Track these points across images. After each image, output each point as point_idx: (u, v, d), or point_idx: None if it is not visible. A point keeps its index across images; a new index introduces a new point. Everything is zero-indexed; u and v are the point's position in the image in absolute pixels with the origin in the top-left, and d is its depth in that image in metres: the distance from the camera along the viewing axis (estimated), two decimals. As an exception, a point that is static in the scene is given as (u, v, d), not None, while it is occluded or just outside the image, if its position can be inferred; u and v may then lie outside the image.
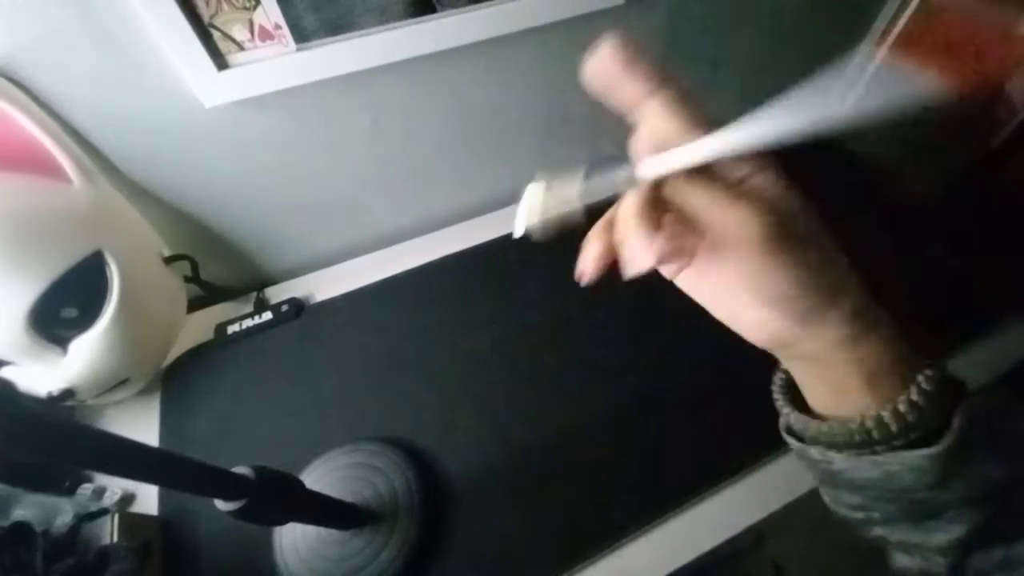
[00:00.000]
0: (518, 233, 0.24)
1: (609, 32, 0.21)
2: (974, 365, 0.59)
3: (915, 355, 0.24)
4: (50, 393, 0.47)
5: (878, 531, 0.28)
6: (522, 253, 0.71)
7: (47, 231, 0.44)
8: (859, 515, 0.28)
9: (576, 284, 0.29)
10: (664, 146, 0.21)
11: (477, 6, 0.56)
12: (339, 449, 0.52)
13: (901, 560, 0.28)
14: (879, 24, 0.86)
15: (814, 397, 0.27)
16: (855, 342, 0.23)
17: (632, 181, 0.22)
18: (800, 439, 0.28)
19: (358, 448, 0.52)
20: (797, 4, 0.77)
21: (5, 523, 0.40)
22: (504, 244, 0.73)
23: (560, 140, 0.78)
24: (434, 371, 0.60)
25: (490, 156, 0.74)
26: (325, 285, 0.70)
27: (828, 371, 0.25)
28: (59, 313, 0.46)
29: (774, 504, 0.50)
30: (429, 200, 0.76)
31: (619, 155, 0.23)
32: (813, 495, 0.51)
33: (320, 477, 0.49)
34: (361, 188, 0.69)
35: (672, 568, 0.47)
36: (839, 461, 0.25)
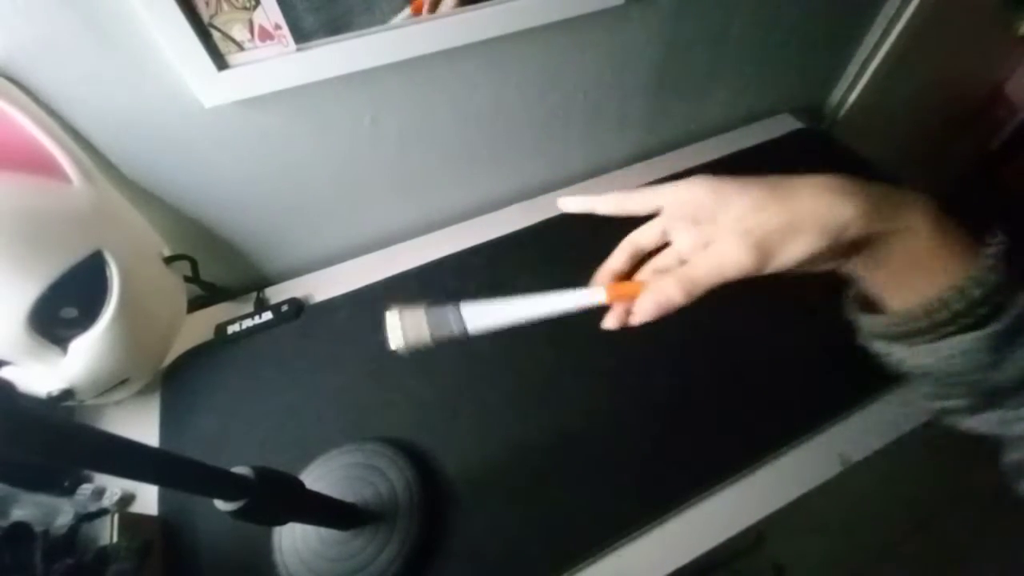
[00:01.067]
0: (392, 347, 0.32)
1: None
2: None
3: (969, 245, 0.25)
4: (50, 393, 0.47)
5: (968, 422, 0.29)
6: (522, 253, 0.71)
7: (47, 231, 0.44)
8: (938, 405, 0.30)
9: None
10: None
11: (477, 6, 0.56)
12: (339, 449, 0.52)
13: (1009, 453, 0.29)
14: (878, 24, 0.86)
15: (886, 297, 0.28)
16: (889, 241, 0.26)
17: (460, 322, 0.33)
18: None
19: (358, 448, 0.52)
20: (797, 4, 0.77)
21: (5, 523, 0.40)
22: (504, 244, 0.73)
23: (560, 140, 0.78)
24: (434, 371, 0.60)
25: (490, 156, 0.74)
26: (325, 285, 0.70)
27: (879, 270, 0.27)
28: (59, 313, 0.46)
29: (774, 504, 0.50)
30: (429, 200, 0.76)
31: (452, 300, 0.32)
32: (813, 495, 0.52)
33: (320, 477, 0.49)
34: (361, 188, 0.69)
35: (672, 568, 0.47)
36: (898, 351, 0.28)
